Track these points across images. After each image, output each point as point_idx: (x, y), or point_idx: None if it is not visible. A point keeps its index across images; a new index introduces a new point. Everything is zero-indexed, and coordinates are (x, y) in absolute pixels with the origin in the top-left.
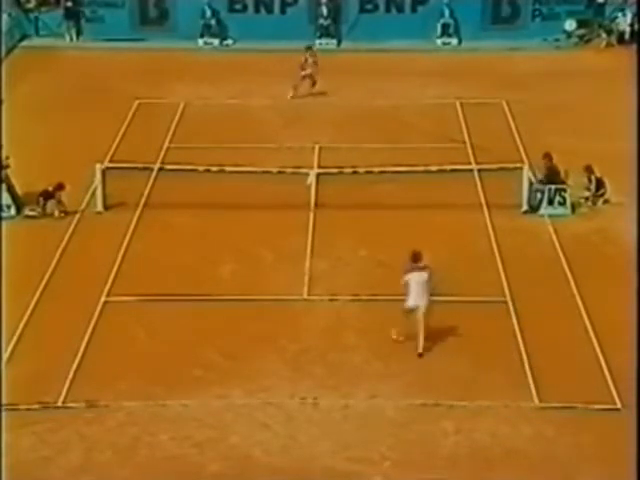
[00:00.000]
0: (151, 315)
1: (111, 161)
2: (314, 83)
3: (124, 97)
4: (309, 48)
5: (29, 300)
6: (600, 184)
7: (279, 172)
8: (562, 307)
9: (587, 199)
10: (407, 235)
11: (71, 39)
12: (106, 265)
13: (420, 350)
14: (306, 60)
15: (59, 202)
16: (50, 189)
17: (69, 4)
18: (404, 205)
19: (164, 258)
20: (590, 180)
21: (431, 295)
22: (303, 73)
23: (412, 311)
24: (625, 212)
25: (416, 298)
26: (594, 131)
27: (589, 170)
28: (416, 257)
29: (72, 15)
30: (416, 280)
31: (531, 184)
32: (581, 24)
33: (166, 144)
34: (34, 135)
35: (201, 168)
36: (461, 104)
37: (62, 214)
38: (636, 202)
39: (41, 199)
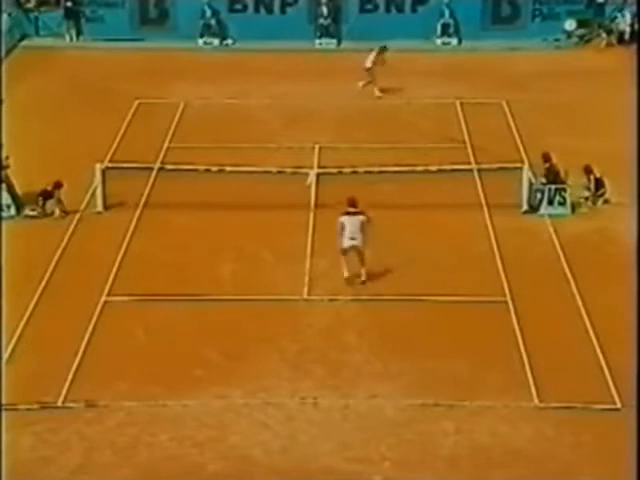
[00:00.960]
0: (151, 315)
1: (111, 161)
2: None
3: (124, 97)
4: (384, 48)
5: (29, 300)
6: (600, 184)
7: (279, 172)
8: (562, 307)
9: (587, 199)
10: (407, 235)
11: (71, 39)
12: (106, 265)
13: (363, 278)
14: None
15: (59, 201)
16: (49, 188)
17: (69, 4)
18: (404, 205)
19: (164, 258)
20: (590, 180)
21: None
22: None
23: (347, 251)
24: (625, 212)
25: (350, 239)
26: (594, 131)
27: (588, 170)
28: (351, 202)
29: (72, 15)
30: (350, 222)
31: (531, 184)
32: (581, 24)
33: (166, 144)
34: (34, 135)
35: (201, 168)
36: (461, 104)
37: (63, 213)
38: (636, 202)
39: (40, 199)
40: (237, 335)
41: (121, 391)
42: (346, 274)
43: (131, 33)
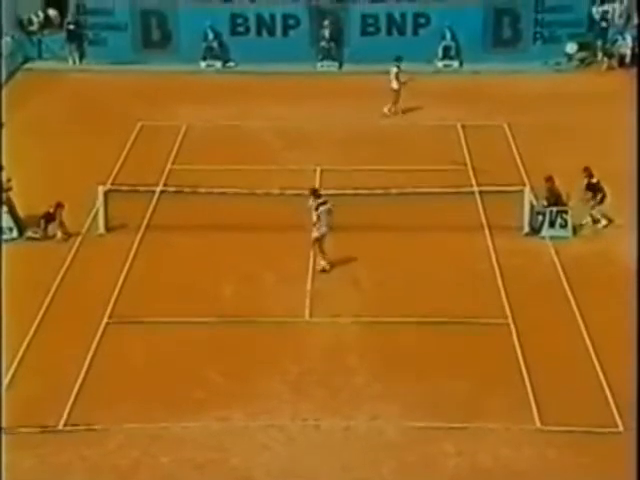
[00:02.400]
0: (152, 337)
1: (113, 183)
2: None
3: (127, 119)
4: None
5: (31, 323)
6: (598, 188)
7: (280, 194)
8: (563, 329)
9: (592, 206)
10: (409, 257)
11: (74, 62)
12: (107, 287)
13: (320, 268)
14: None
15: (61, 223)
16: (51, 210)
17: (71, 27)
18: (406, 227)
19: (166, 280)
20: (590, 183)
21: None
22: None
23: (320, 239)
24: (625, 234)
25: (326, 226)
26: (595, 153)
27: (588, 172)
28: (317, 193)
29: (75, 38)
30: (326, 211)
31: (532, 206)
32: (582, 47)
33: (168, 166)
34: (36, 157)
35: (203, 190)
36: (462, 126)
37: (65, 236)
38: (636, 224)
39: (43, 221)
40: (238, 357)
41: (122, 413)
42: (326, 266)
43: (134, 56)
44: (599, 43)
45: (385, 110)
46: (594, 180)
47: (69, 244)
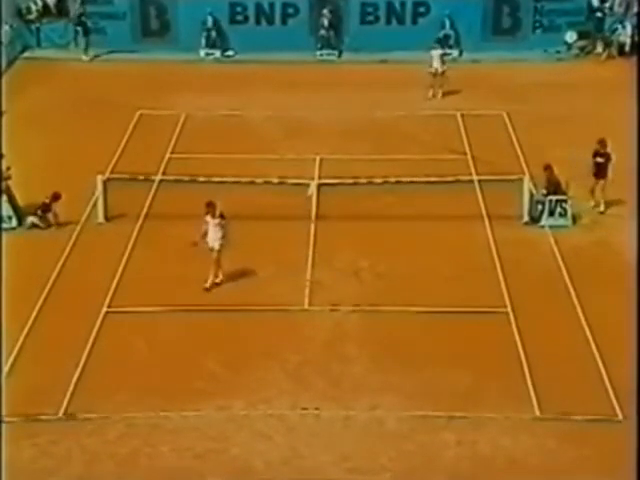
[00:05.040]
0: (152, 326)
1: (112, 172)
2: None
3: (126, 108)
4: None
5: (30, 311)
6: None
7: (280, 183)
8: (563, 318)
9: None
10: (408, 246)
11: (85, 53)
12: (107, 276)
13: (207, 286)
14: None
15: (54, 214)
16: (47, 201)
17: (83, 18)
18: (405, 216)
19: (165, 269)
20: (600, 154)
21: (223, 238)
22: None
23: (211, 250)
24: (625, 223)
25: (212, 240)
26: (595, 142)
27: (602, 143)
28: (211, 206)
29: (83, 27)
30: (212, 224)
31: (532, 195)
32: (582, 36)
33: (167, 155)
34: (35, 146)
35: (202, 179)
36: (462, 115)
37: (56, 225)
38: (636, 213)
39: (39, 212)
40: (238, 346)
41: (122, 403)
42: (212, 283)
43: (133, 45)
44: (597, 32)
45: (430, 94)
46: (606, 150)
47: (68, 233)
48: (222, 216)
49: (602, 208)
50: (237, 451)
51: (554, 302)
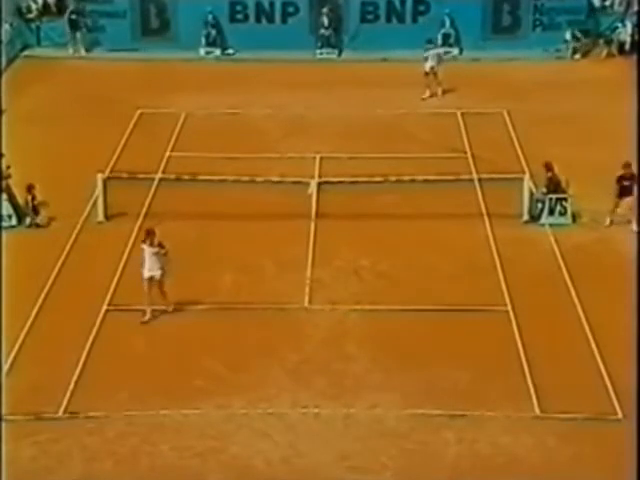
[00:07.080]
0: (152, 325)
1: (112, 171)
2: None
3: (125, 107)
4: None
5: (30, 310)
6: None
7: (280, 182)
8: (563, 317)
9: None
10: (408, 245)
11: (86, 50)
12: (107, 274)
13: (146, 319)
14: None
15: (34, 208)
16: (28, 199)
17: (73, 16)
18: (405, 215)
19: (165, 267)
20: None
21: (162, 269)
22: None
23: (148, 281)
24: (625, 222)
25: (148, 270)
26: (595, 141)
27: (627, 167)
28: (150, 233)
29: (77, 27)
30: (148, 253)
31: (532, 194)
32: (575, 37)
33: (167, 154)
34: (35, 145)
35: (202, 178)
36: (462, 114)
37: (44, 212)
38: (636, 211)
39: (32, 213)
40: (238, 345)
41: (122, 401)
42: (147, 316)
43: (132, 43)
44: (595, 30)
45: (427, 94)
46: (632, 172)
47: (68, 232)
48: (161, 245)
49: (635, 227)
50: (237, 450)
51: (554, 300)
